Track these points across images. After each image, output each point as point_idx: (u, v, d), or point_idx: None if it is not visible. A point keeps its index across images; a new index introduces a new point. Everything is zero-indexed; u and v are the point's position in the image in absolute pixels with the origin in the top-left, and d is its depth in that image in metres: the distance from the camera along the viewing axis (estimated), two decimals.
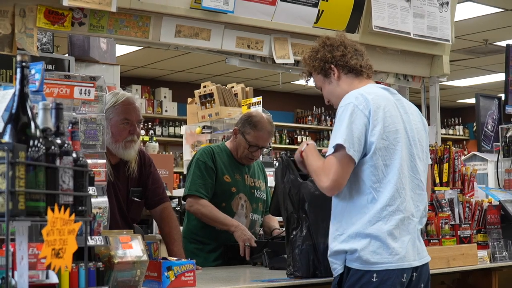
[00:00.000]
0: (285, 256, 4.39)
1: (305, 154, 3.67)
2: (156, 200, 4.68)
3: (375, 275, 3.35)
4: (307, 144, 3.71)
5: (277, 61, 4.69)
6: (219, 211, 4.82)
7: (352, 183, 3.44)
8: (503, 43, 9.02)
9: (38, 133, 2.44)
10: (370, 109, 3.40)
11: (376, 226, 3.39)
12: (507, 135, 6.38)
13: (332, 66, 3.65)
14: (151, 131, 13.63)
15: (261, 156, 7.64)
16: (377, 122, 3.40)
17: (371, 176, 3.41)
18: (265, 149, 5.22)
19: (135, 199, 4.62)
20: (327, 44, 3.68)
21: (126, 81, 13.39)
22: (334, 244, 3.47)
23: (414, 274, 3.47)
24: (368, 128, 3.40)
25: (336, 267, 3.48)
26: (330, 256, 3.52)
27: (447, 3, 5.33)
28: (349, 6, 4.83)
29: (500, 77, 6.22)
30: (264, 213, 5.21)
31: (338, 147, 3.37)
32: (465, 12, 10.34)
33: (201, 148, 5.08)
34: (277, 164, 5.06)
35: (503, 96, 7.25)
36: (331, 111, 16.94)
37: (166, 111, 14.53)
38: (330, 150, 3.41)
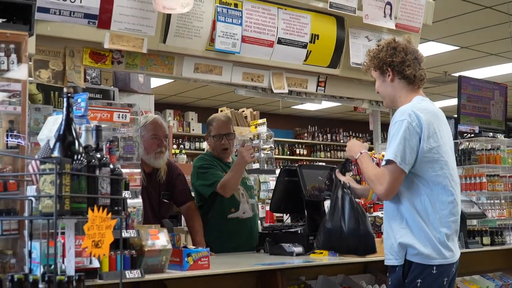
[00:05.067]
0: (282, 244, 4.40)
1: (359, 161, 3.40)
2: (183, 200, 4.69)
3: (434, 267, 3.16)
4: (361, 153, 3.41)
5: (275, 91, 4.68)
6: (227, 175, 4.66)
7: (407, 187, 3.23)
8: (459, 74, 9.03)
9: (81, 149, 2.46)
10: (422, 127, 3.18)
11: (435, 227, 3.19)
12: (460, 148, 6.36)
13: (389, 68, 3.37)
14: (181, 146, 13.72)
15: (265, 165, 7.70)
16: (428, 140, 3.19)
17: (423, 182, 3.21)
18: (231, 136, 4.91)
19: (165, 200, 4.64)
20: (391, 47, 3.38)
21: (161, 106, 13.44)
22: (397, 238, 3.24)
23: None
24: (420, 144, 3.18)
25: (395, 259, 3.25)
26: (391, 248, 3.28)
27: None
28: (331, 47, 4.83)
29: (456, 101, 6.23)
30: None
31: (390, 161, 3.16)
32: (429, 49, 10.34)
33: (198, 158, 4.94)
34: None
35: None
36: (323, 129, 17.00)
37: (193, 130, 14.55)
38: (383, 162, 3.22)
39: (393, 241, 3.26)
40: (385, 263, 3.34)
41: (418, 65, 3.38)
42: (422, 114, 3.21)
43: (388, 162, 3.17)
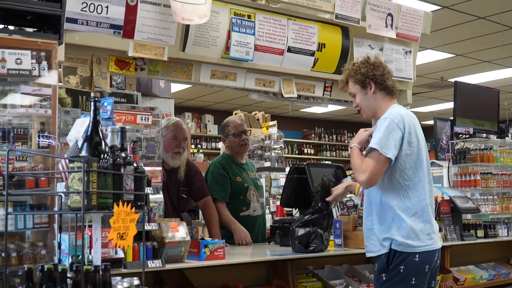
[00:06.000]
0: None
1: (351, 153, 3.38)
2: (200, 195, 4.67)
3: (417, 255, 3.16)
4: (351, 148, 3.40)
5: (285, 95, 4.66)
6: (225, 215, 4.71)
7: (388, 182, 3.24)
8: (455, 79, 8.98)
9: (107, 149, 2.44)
10: (404, 125, 3.20)
11: (414, 217, 3.20)
12: (456, 148, 6.31)
13: (372, 81, 3.36)
14: (198, 146, 13.73)
15: (276, 163, 7.69)
16: (409, 136, 3.22)
17: (404, 176, 3.22)
18: (248, 133, 5.07)
19: (183, 195, 4.63)
20: (370, 63, 3.39)
21: (180, 110, 13.45)
22: (380, 231, 3.25)
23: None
24: (404, 138, 3.20)
25: (381, 249, 3.24)
26: (378, 240, 3.27)
27: (410, 52, 5.28)
28: (337, 55, 4.80)
29: (452, 105, 6.18)
30: None
31: (372, 150, 3.17)
32: (427, 57, 10.31)
33: (214, 161, 5.00)
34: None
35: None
36: (329, 130, 16.98)
37: (209, 131, 14.55)
38: (367, 151, 3.21)
39: (378, 235, 3.27)
40: (368, 255, 3.37)
41: (391, 78, 3.44)
42: (404, 114, 3.27)
43: (371, 150, 3.19)
